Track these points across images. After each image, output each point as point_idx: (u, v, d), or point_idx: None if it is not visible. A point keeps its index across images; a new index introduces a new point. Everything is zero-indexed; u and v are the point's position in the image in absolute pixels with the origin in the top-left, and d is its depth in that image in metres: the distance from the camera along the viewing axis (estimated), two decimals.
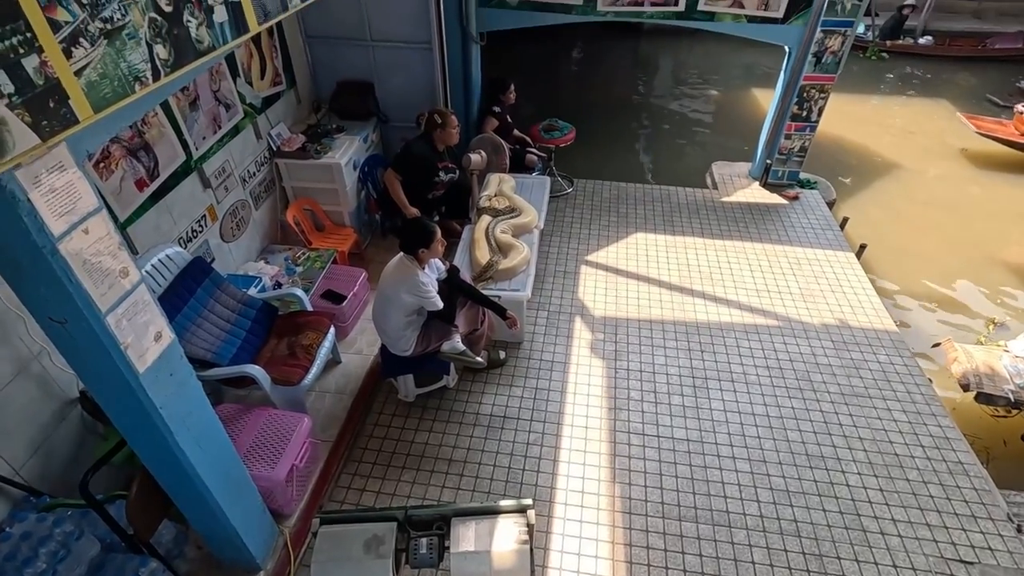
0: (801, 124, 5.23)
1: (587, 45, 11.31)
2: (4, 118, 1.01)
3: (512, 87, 5.13)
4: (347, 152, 4.31)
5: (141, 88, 1.30)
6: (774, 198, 5.55)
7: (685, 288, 4.46)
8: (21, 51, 1.02)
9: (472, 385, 3.62)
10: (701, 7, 4.73)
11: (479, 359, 3.37)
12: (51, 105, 1.10)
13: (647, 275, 4.59)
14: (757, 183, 5.75)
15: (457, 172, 4.47)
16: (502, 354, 3.77)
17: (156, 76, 1.34)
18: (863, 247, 5.06)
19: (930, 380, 3.76)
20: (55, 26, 1.08)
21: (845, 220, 5.43)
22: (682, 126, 8.38)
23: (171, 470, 2.04)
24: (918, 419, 3.46)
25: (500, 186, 4.43)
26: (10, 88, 1.02)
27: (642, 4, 4.78)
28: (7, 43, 0.99)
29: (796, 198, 5.53)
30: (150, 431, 1.86)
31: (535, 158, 5.24)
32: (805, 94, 5.06)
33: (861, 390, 3.64)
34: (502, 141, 4.93)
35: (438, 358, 3.27)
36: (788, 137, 5.33)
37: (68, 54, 1.11)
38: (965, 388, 3.72)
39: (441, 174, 4.35)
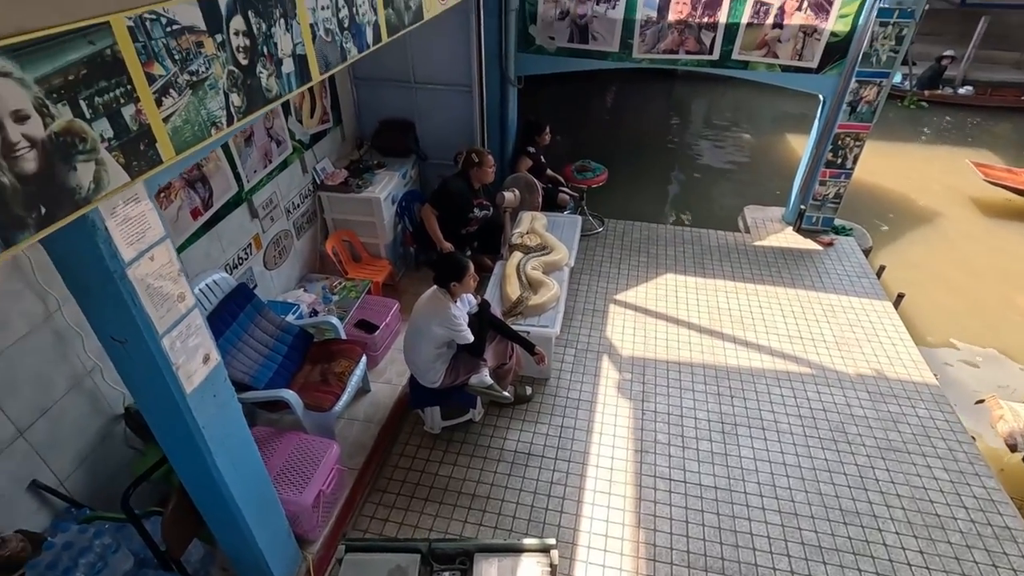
0: (836, 171, 5.20)
1: (622, 88, 11.55)
2: (103, 159, 1.14)
3: (547, 129, 5.29)
4: (386, 187, 4.48)
5: (216, 132, 1.43)
6: (808, 244, 5.51)
7: (715, 331, 4.42)
8: (122, 101, 1.16)
9: (498, 420, 3.64)
10: (735, 56, 4.83)
11: (506, 394, 3.39)
12: (141, 148, 1.23)
13: (676, 316, 4.57)
14: (790, 228, 5.72)
15: (491, 209, 4.60)
16: (528, 390, 3.79)
17: (230, 121, 1.47)
18: (901, 296, 4.95)
19: (973, 438, 3.61)
20: (151, 79, 1.22)
21: (882, 268, 5.34)
22: (714, 169, 8.43)
23: (207, 489, 2.11)
24: (960, 478, 3.32)
25: (532, 224, 4.53)
26: (110, 133, 1.15)
27: (677, 52, 4.91)
28: (111, 95, 1.13)
29: (831, 244, 5.47)
30: (192, 450, 1.94)
31: (567, 197, 5.34)
32: (840, 142, 5.05)
33: (899, 444, 3.52)
34: (535, 180, 5.07)
35: (465, 391, 3.31)
36: (823, 183, 5.30)
37: (159, 103, 1.25)
38: (1012, 448, 3.55)
39: (476, 211, 4.47)
